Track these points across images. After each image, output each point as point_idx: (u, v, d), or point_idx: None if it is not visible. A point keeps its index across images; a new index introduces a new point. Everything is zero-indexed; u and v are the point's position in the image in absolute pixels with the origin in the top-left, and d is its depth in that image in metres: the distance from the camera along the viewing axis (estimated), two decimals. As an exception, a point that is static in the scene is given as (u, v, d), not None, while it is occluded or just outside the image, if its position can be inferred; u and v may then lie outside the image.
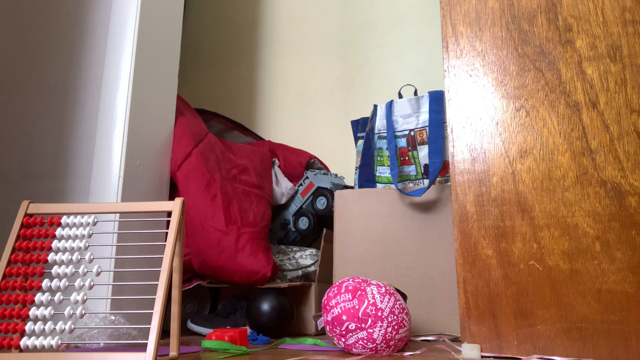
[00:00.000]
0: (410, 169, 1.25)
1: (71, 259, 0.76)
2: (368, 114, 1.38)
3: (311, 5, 2.02)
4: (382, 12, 1.90)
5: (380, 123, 1.28)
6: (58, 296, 0.73)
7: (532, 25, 0.83)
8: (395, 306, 0.83)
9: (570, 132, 0.77)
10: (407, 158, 1.25)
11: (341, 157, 1.79)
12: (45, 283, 0.74)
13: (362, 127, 1.38)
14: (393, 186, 1.24)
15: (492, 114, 0.83)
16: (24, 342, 0.70)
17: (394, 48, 1.85)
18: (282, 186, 1.49)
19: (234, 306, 1.27)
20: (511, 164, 0.80)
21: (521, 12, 0.84)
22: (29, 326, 0.71)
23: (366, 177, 1.29)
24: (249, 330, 1.14)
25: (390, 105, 1.26)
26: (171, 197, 1.28)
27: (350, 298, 0.84)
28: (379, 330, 0.80)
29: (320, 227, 1.47)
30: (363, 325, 0.81)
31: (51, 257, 0.76)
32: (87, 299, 0.74)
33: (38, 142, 1.19)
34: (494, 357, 0.76)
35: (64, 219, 0.79)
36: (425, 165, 1.22)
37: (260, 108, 1.99)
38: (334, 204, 1.26)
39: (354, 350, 0.83)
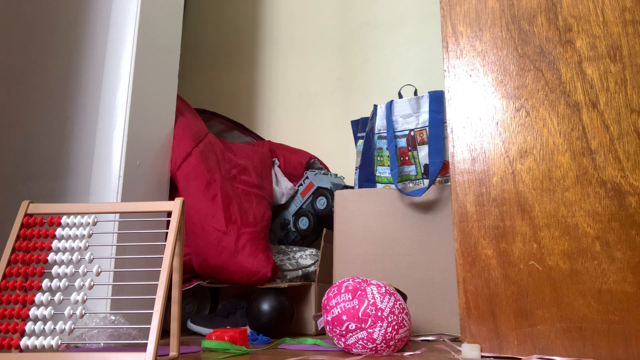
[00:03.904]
0: (410, 169, 1.25)
1: (71, 259, 0.76)
2: (368, 114, 1.38)
3: (311, 5, 2.02)
4: (382, 12, 1.90)
5: (380, 123, 1.28)
6: (58, 296, 0.73)
7: (532, 25, 0.83)
8: (395, 306, 0.83)
9: (570, 132, 0.77)
10: (407, 158, 1.25)
11: (341, 157, 1.79)
12: (45, 283, 0.74)
13: (362, 127, 1.38)
14: (393, 186, 1.24)
15: (492, 114, 0.83)
16: (24, 342, 0.70)
17: (394, 48, 1.85)
18: (282, 186, 1.49)
19: (234, 306, 1.27)
20: (511, 164, 0.80)
21: (521, 12, 0.84)
22: (29, 326, 0.71)
23: (366, 177, 1.29)
24: (249, 330, 1.14)
25: (390, 105, 1.26)
26: (171, 197, 1.28)
27: (350, 298, 0.84)
28: (379, 330, 0.80)
29: (320, 227, 1.47)
30: (363, 325, 0.81)
31: (51, 257, 0.76)
32: (87, 299, 0.74)
33: (38, 142, 1.18)
34: (494, 357, 0.76)
35: (64, 219, 0.79)
36: (425, 165, 1.22)
37: (260, 108, 1.99)
38: (334, 204, 1.26)
39: (354, 350, 0.83)
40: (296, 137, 1.88)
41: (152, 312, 0.69)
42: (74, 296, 0.73)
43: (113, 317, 0.93)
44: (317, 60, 1.96)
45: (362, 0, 1.94)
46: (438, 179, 1.22)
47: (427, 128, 1.21)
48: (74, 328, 0.72)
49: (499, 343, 0.75)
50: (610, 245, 0.72)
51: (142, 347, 0.70)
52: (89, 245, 0.78)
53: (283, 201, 1.48)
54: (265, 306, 1.12)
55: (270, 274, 1.21)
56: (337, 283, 0.88)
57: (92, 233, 0.78)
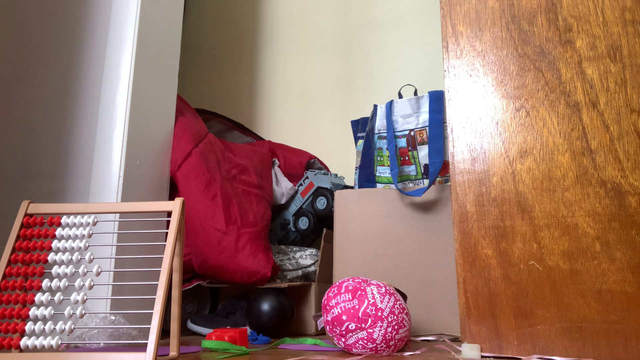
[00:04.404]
0: (410, 169, 1.25)
1: (71, 259, 0.76)
2: (368, 114, 1.38)
3: (311, 5, 2.02)
4: (382, 12, 1.90)
5: (380, 123, 1.28)
6: (58, 296, 0.73)
7: (532, 25, 0.83)
8: (395, 306, 0.83)
9: (570, 132, 0.77)
10: (407, 158, 1.25)
11: (341, 157, 1.79)
12: (45, 283, 0.74)
13: (362, 127, 1.38)
14: (393, 186, 1.24)
15: (492, 114, 0.83)
16: (24, 342, 0.70)
17: (394, 48, 1.85)
18: (282, 186, 1.49)
19: (234, 306, 1.27)
20: (511, 164, 0.80)
21: (521, 12, 0.84)
22: (29, 326, 0.71)
23: (366, 177, 1.29)
24: (249, 330, 1.14)
25: (390, 105, 1.26)
26: (171, 197, 1.28)
27: (350, 298, 0.84)
28: (379, 330, 0.80)
29: (320, 227, 1.47)
30: (363, 325, 0.81)
31: (51, 257, 0.76)
32: (87, 299, 0.74)
33: (38, 142, 1.18)
34: (494, 357, 0.76)
35: (64, 219, 0.79)
36: (425, 165, 1.22)
37: (260, 108, 1.99)
38: (334, 204, 1.26)
39: (354, 350, 0.83)
40: (296, 137, 1.88)
41: (152, 312, 0.69)
42: (74, 296, 0.73)
43: (113, 317, 0.93)
44: (317, 60, 1.96)
45: (362, 0, 1.94)
46: (438, 179, 1.22)
47: (427, 128, 1.21)
48: (74, 328, 0.72)
49: (499, 343, 0.75)
50: (610, 245, 0.72)
51: (142, 347, 0.70)
52: (89, 245, 0.78)
53: (283, 201, 1.48)
54: (265, 306, 1.12)
55: (270, 274, 1.21)
56: (337, 283, 0.88)
57: (92, 233, 0.78)
